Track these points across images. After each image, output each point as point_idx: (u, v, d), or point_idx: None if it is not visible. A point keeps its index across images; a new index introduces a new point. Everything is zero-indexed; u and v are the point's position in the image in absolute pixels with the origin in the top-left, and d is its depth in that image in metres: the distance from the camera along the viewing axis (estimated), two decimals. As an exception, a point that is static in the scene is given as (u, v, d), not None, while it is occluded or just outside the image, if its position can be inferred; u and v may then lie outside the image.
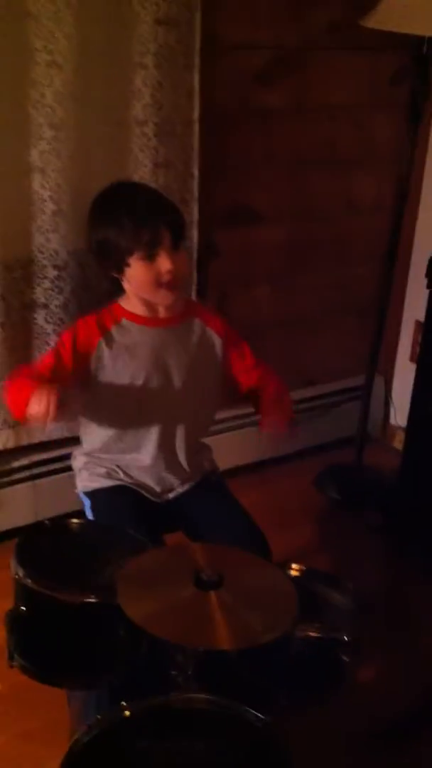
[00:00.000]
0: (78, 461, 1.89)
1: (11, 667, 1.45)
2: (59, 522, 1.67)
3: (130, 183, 1.95)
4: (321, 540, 2.44)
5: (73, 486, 1.89)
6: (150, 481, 1.84)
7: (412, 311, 2.75)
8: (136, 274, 1.70)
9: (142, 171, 2.09)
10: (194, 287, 2.31)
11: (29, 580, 1.42)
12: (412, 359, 2.76)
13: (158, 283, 1.70)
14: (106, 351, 1.74)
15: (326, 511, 2.58)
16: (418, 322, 2.69)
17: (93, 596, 1.40)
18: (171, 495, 1.86)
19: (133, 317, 1.77)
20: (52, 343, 2.10)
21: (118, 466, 1.83)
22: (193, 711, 1.30)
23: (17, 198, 2.00)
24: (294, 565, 1.57)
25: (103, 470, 1.84)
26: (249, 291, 2.53)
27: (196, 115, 2.12)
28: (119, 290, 1.78)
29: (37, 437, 2.27)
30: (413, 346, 2.78)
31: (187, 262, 2.11)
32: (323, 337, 2.73)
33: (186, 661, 1.38)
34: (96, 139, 2.02)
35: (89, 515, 1.83)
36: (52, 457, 2.31)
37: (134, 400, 1.77)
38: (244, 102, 2.29)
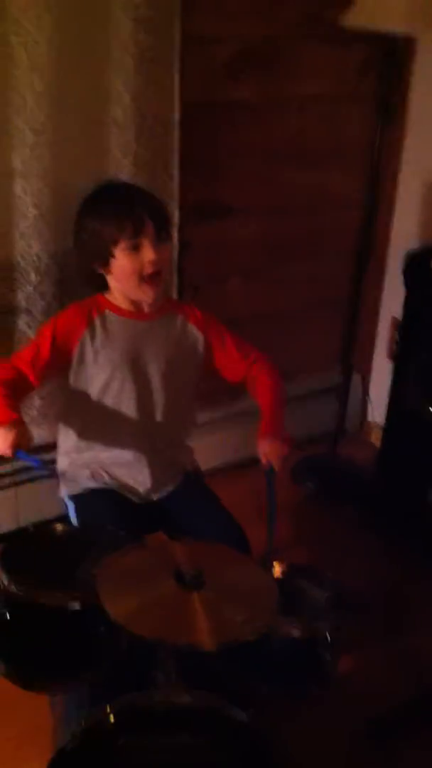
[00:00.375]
0: (61, 463, 1.90)
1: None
2: (43, 527, 1.68)
3: (117, 180, 1.97)
4: (300, 533, 2.43)
5: (56, 492, 1.90)
6: (132, 482, 1.85)
7: (389, 308, 2.75)
8: (120, 265, 1.73)
9: (123, 172, 2.08)
10: (174, 286, 2.30)
11: (14, 587, 1.42)
12: (389, 356, 2.76)
13: (141, 277, 1.74)
14: (88, 340, 1.78)
15: (304, 503, 2.58)
16: (394, 319, 2.69)
17: (78, 602, 1.39)
18: (155, 496, 1.88)
19: (116, 309, 1.81)
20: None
21: (101, 467, 1.84)
22: (176, 708, 1.30)
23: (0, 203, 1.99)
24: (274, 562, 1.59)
25: (87, 472, 1.85)
26: (222, 285, 2.49)
27: (177, 117, 2.12)
28: (104, 292, 1.83)
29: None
30: (390, 343, 2.79)
31: (170, 258, 2.13)
32: (299, 332, 2.68)
33: (167, 659, 1.38)
34: (76, 141, 2.01)
35: (73, 519, 1.84)
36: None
37: (112, 390, 1.79)
38: (212, 95, 2.25)
